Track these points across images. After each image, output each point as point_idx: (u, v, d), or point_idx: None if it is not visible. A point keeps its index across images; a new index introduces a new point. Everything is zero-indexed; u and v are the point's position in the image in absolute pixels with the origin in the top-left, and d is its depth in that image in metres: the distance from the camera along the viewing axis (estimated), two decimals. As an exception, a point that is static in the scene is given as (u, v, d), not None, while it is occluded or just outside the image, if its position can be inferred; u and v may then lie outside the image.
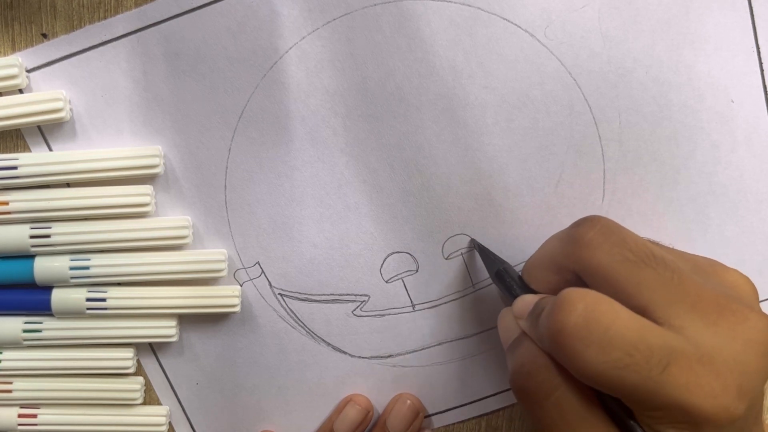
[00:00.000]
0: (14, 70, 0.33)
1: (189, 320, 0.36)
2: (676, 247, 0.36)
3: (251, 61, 0.33)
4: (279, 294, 0.36)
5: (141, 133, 0.34)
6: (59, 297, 0.35)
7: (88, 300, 0.35)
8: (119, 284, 0.35)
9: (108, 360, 0.36)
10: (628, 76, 0.34)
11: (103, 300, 0.35)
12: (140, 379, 0.37)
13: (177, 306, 0.35)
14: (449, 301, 0.36)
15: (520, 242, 0.36)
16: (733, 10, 0.34)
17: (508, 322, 0.31)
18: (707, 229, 0.36)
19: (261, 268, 0.36)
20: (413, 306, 0.36)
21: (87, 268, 0.34)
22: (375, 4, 0.32)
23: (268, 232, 0.35)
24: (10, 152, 0.35)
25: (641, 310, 0.26)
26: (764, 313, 0.26)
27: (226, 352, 0.37)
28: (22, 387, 0.36)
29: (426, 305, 0.36)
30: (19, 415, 0.37)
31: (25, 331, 0.35)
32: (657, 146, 0.35)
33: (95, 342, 0.36)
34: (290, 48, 0.33)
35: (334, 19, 0.33)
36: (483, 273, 0.36)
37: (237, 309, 0.35)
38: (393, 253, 0.36)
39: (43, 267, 0.34)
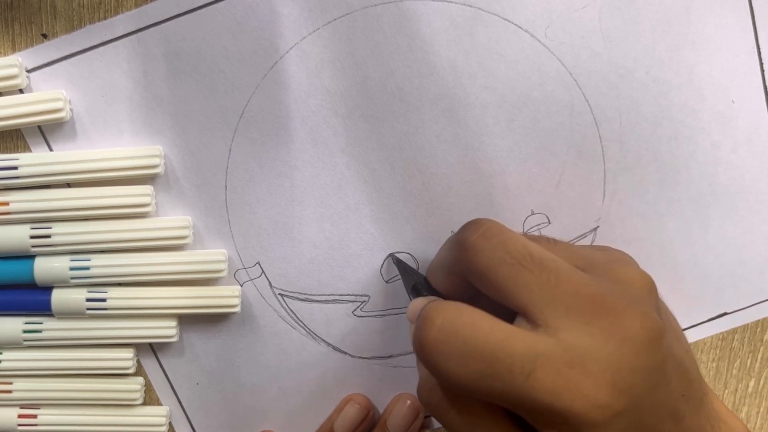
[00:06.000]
0: (14, 70, 0.33)
1: (189, 320, 0.36)
2: (676, 249, 0.36)
3: (251, 61, 0.33)
4: (279, 294, 0.36)
5: (141, 133, 0.34)
6: (59, 297, 0.35)
7: (88, 300, 0.35)
8: (119, 284, 0.35)
9: (108, 360, 0.36)
10: (628, 77, 0.34)
11: (104, 300, 0.35)
12: (140, 379, 0.37)
13: (177, 306, 0.35)
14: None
15: (521, 242, 0.36)
16: (734, 10, 0.34)
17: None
18: (708, 230, 0.36)
19: (261, 268, 0.36)
20: (413, 306, 0.36)
21: (87, 268, 0.34)
22: (376, 5, 0.32)
23: (268, 232, 0.35)
24: (11, 152, 0.35)
25: (522, 312, 0.26)
26: (643, 311, 0.26)
27: (226, 353, 0.37)
28: (22, 387, 0.36)
29: (426, 305, 0.36)
30: (19, 416, 0.37)
31: (25, 331, 0.35)
32: (657, 146, 0.35)
33: (95, 342, 0.36)
34: (291, 48, 0.33)
35: (335, 19, 0.33)
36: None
37: (237, 309, 0.35)
38: (393, 253, 0.36)
39: (43, 267, 0.34)
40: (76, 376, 0.36)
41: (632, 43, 0.34)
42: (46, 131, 0.34)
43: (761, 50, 0.35)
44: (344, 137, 0.34)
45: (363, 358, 0.37)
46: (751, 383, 0.39)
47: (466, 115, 0.34)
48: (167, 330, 0.35)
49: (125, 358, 0.36)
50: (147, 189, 0.34)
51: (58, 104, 0.33)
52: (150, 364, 0.37)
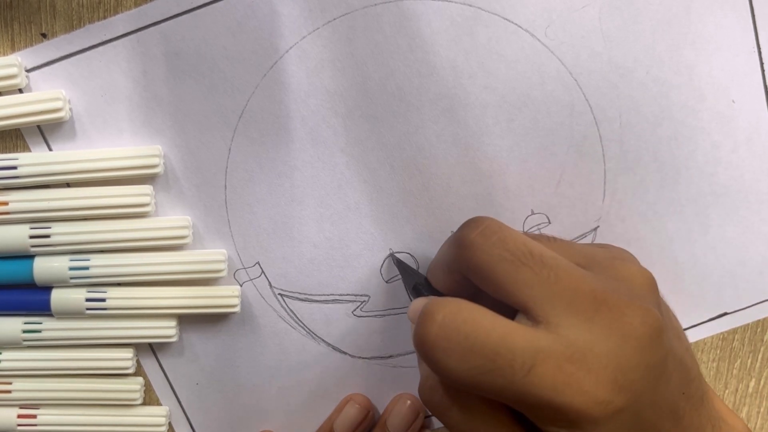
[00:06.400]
0: (14, 70, 0.32)
1: (189, 320, 0.36)
2: (676, 249, 0.36)
3: (251, 60, 0.33)
4: (279, 294, 0.36)
5: (141, 132, 0.34)
6: (59, 297, 0.35)
7: (88, 300, 0.35)
8: (119, 284, 0.35)
9: (107, 360, 0.36)
10: (628, 76, 0.34)
11: (103, 300, 0.35)
12: (140, 379, 0.37)
13: (177, 306, 0.35)
14: (449, 302, 0.36)
15: (521, 242, 0.36)
16: (734, 10, 0.34)
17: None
18: (708, 230, 0.36)
19: (261, 268, 0.35)
20: (413, 306, 0.36)
21: (86, 268, 0.34)
22: (375, 4, 0.32)
23: (268, 232, 0.35)
24: (10, 152, 0.34)
25: (522, 308, 0.26)
26: (644, 307, 0.26)
27: (226, 353, 0.37)
28: (21, 387, 0.36)
29: (426, 305, 0.36)
30: (19, 416, 0.37)
31: (24, 331, 0.35)
32: (657, 146, 0.35)
33: (95, 342, 0.36)
34: (290, 48, 0.33)
35: (335, 19, 0.33)
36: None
37: (237, 309, 0.35)
38: (393, 253, 0.36)
39: (43, 267, 0.34)
40: (76, 376, 0.36)
41: (632, 43, 0.34)
42: (45, 131, 0.34)
43: (761, 50, 0.35)
44: (344, 137, 0.34)
45: (363, 358, 0.37)
46: (752, 383, 0.39)
47: (466, 115, 0.34)
48: (167, 330, 0.35)
49: (125, 358, 0.36)
50: (146, 189, 0.34)
51: (58, 104, 0.33)
52: (150, 364, 0.37)
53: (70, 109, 0.34)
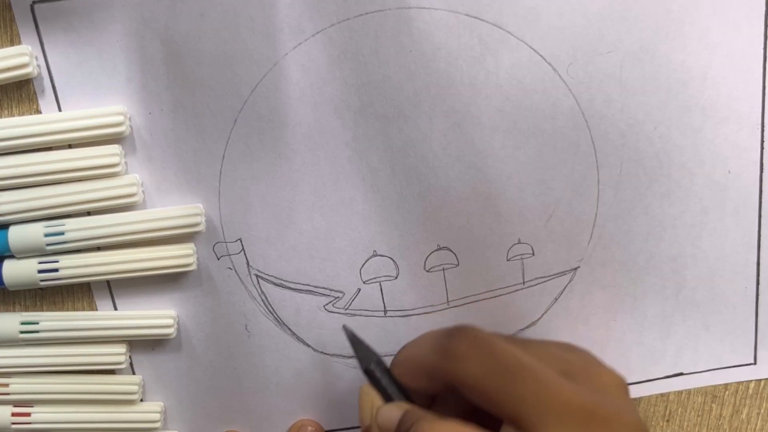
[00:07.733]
0: (24, 59, 0.31)
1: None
2: (647, 302, 0.37)
3: (275, 37, 0.32)
4: (255, 275, 0.35)
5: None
6: (10, 268, 0.34)
7: (40, 272, 0.33)
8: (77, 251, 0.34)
9: (100, 356, 0.35)
10: (637, 128, 0.35)
11: (56, 270, 0.34)
12: (139, 377, 0.36)
13: (132, 270, 0.34)
14: (421, 314, 0.36)
15: (501, 268, 0.36)
16: (747, 84, 0.35)
17: (366, 409, 0.32)
18: (681, 290, 0.37)
19: (242, 245, 0.35)
20: (385, 311, 0.36)
21: (62, 233, 0.33)
22: (410, 7, 0.32)
23: (256, 210, 0.34)
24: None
25: (512, 421, 0.27)
26: (633, 420, 0.27)
27: (185, 320, 0.36)
28: (18, 382, 0.35)
29: (398, 313, 0.36)
30: (13, 414, 0.36)
31: (22, 331, 0.34)
32: (651, 201, 0.36)
33: (92, 339, 0.35)
34: (318, 32, 0.32)
35: (367, 13, 0.32)
36: (459, 292, 0.36)
37: (193, 267, 0.34)
38: (376, 255, 0.35)
39: (18, 235, 0.33)
40: (74, 373, 0.36)
41: (647, 97, 0.34)
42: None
43: (765, 128, 0.36)
44: (352, 131, 0.34)
45: (325, 354, 0.37)
46: (752, 384, 0.39)
47: (475, 133, 0.34)
48: (165, 330, 0.35)
49: (118, 353, 0.35)
50: (115, 148, 0.33)
51: (24, 59, 0.31)
52: (143, 361, 0.36)
53: (39, 66, 0.32)
